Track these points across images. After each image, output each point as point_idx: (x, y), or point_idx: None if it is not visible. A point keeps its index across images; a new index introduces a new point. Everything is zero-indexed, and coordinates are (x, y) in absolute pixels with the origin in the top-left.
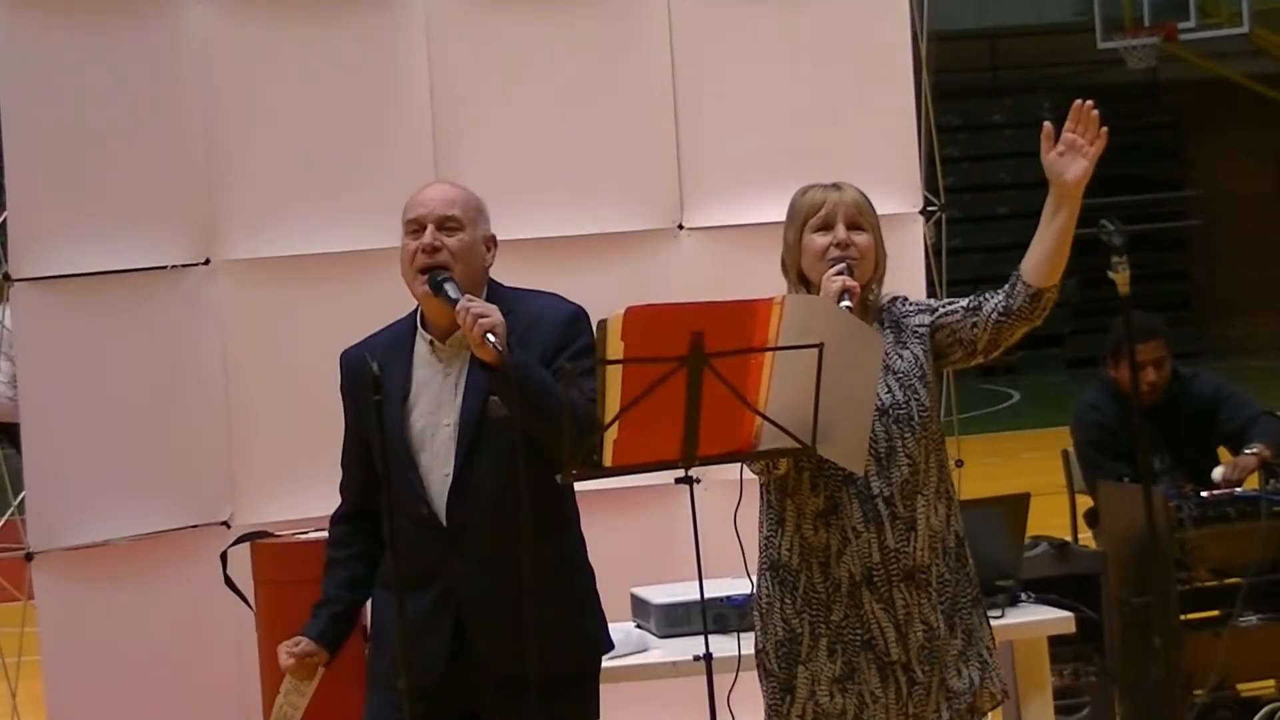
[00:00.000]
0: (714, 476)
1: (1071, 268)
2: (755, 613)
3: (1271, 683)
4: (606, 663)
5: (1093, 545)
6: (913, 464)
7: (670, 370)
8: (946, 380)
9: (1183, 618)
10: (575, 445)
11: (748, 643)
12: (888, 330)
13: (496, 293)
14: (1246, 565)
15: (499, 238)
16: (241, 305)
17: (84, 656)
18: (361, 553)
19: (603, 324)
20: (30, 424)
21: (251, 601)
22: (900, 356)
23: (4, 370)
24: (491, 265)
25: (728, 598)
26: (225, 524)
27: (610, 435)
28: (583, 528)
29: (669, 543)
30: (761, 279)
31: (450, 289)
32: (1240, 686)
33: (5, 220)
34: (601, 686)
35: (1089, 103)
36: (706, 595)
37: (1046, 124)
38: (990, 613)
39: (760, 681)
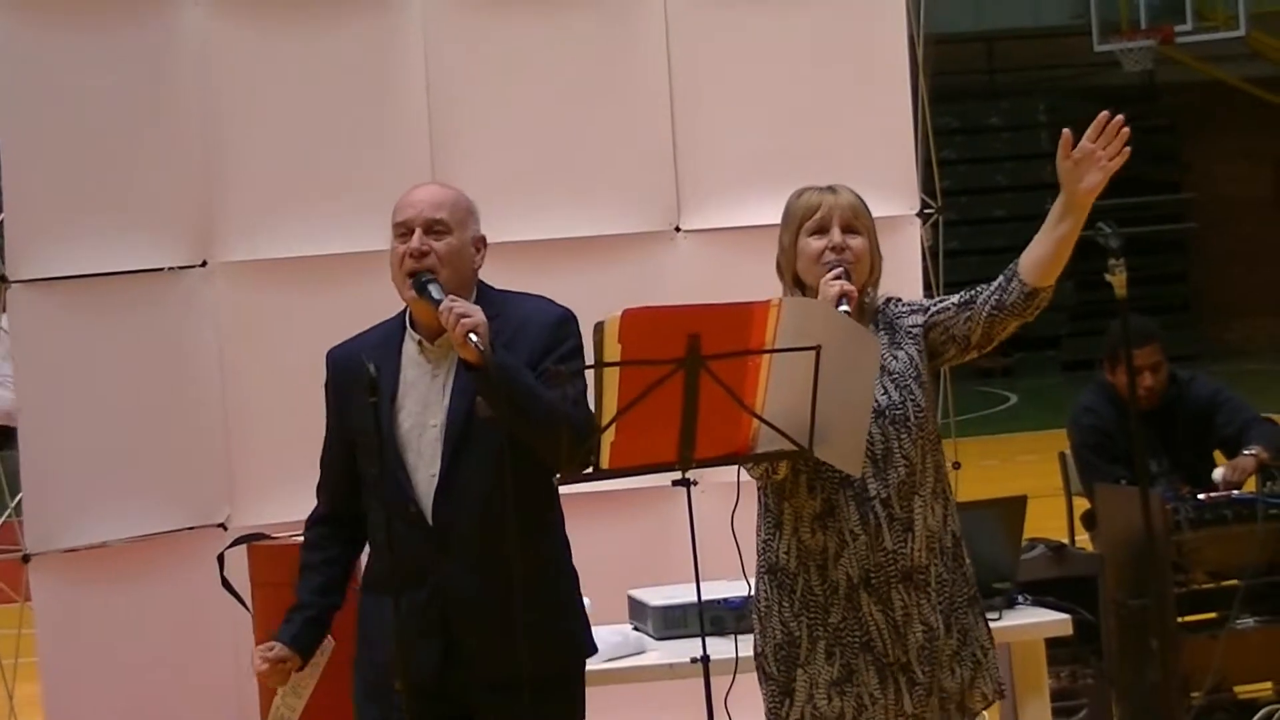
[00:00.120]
0: (711, 479)
1: (1069, 270)
2: (754, 616)
3: (1269, 685)
4: (604, 665)
5: (1090, 548)
6: (909, 465)
7: (667, 373)
8: (944, 382)
9: (1180, 620)
10: (565, 448)
11: (745, 645)
12: (882, 332)
13: (485, 295)
14: (1243, 568)
15: (496, 240)
16: (238, 307)
17: (81, 658)
18: (336, 557)
19: (600, 326)
20: (27, 425)
21: (248, 603)
22: (895, 358)
23: (6, 373)
24: (481, 266)
25: (725, 600)
26: (222, 526)
27: (607, 437)
28: (581, 530)
29: (666, 545)
30: (758, 281)
31: (434, 290)
32: (1237, 689)
33: (2, 222)
34: (599, 688)
35: (1119, 117)
36: (704, 597)
37: (1066, 131)
38: (988, 614)
39: (760, 684)
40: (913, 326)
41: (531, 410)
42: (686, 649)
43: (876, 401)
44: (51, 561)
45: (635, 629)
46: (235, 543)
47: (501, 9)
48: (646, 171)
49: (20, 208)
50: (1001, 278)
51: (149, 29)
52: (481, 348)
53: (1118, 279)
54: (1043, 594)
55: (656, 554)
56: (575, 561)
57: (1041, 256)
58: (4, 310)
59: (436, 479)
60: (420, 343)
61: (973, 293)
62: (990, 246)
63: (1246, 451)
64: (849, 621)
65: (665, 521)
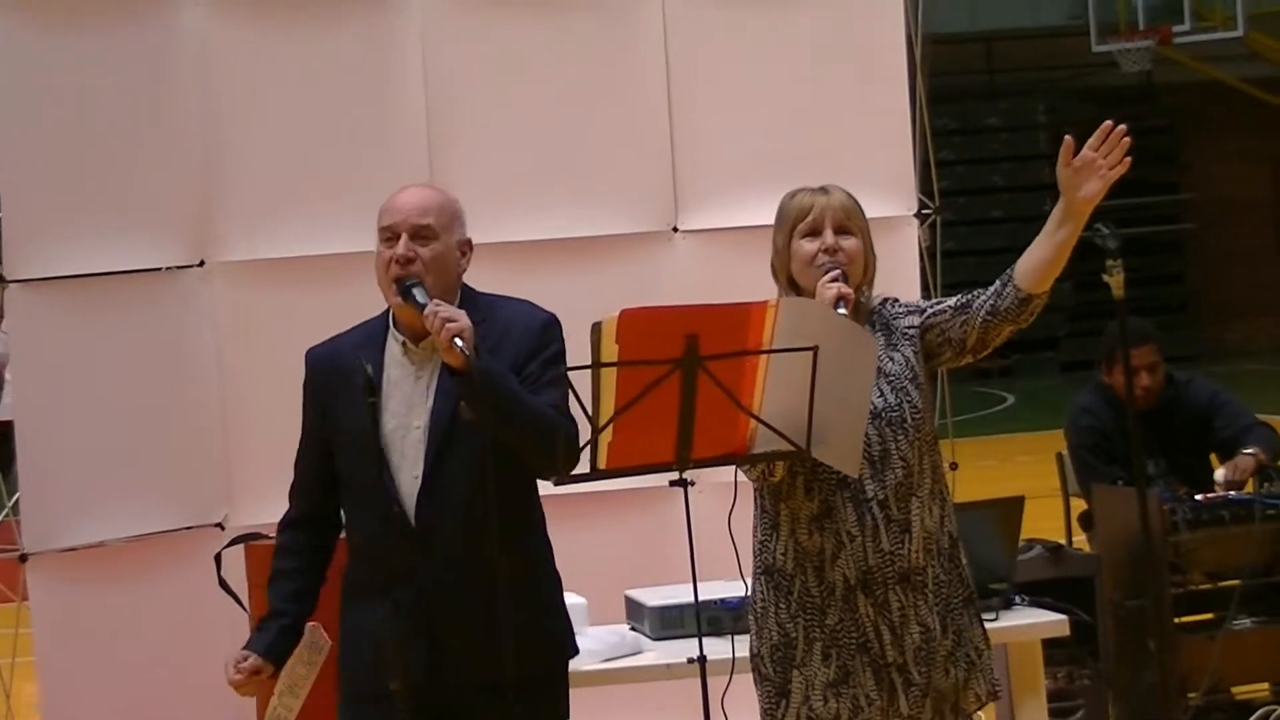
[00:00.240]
0: (708, 479)
1: (1067, 271)
2: (750, 617)
3: (1266, 686)
4: (601, 665)
5: (1087, 548)
6: (906, 466)
7: (665, 373)
8: (942, 383)
9: (1177, 621)
10: (549, 453)
11: (742, 645)
12: (879, 333)
13: (470, 298)
14: (1241, 568)
15: (494, 240)
16: (236, 307)
17: (79, 658)
18: (309, 564)
19: (597, 327)
20: (25, 425)
21: (245, 603)
22: (891, 359)
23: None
24: (466, 270)
25: (722, 600)
26: (220, 526)
27: (605, 438)
28: (578, 530)
29: (663, 545)
30: (756, 282)
31: (418, 293)
32: (1234, 690)
33: (0, 222)
34: (596, 688)
35: (1121, 127)
36: (701, 598)
37: (1068, 138)
38: (984, 615)
39: (755, 685)
40: (909, 328)
41: (515, 415)
42: (683, 649)
43: (873, 403)
44: (49, 561)
45: (632, 629)
46: (232, 542)
47: (500, 9)
48: (644, 172)
49: (18, 207)
50: (998, 283)
51: (147, 29)
52: (466, 353)
53: (1115, 280)
54: (1040, 594)
55: (654, 554)
56: (573, 562)
57: (1038, 262)
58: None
59: (420, 480)
60: (404, 344)
61: (969, 296)
62: (988, 247)
63: (1245, 451)
64: (845, 623)
65: (662, 522)
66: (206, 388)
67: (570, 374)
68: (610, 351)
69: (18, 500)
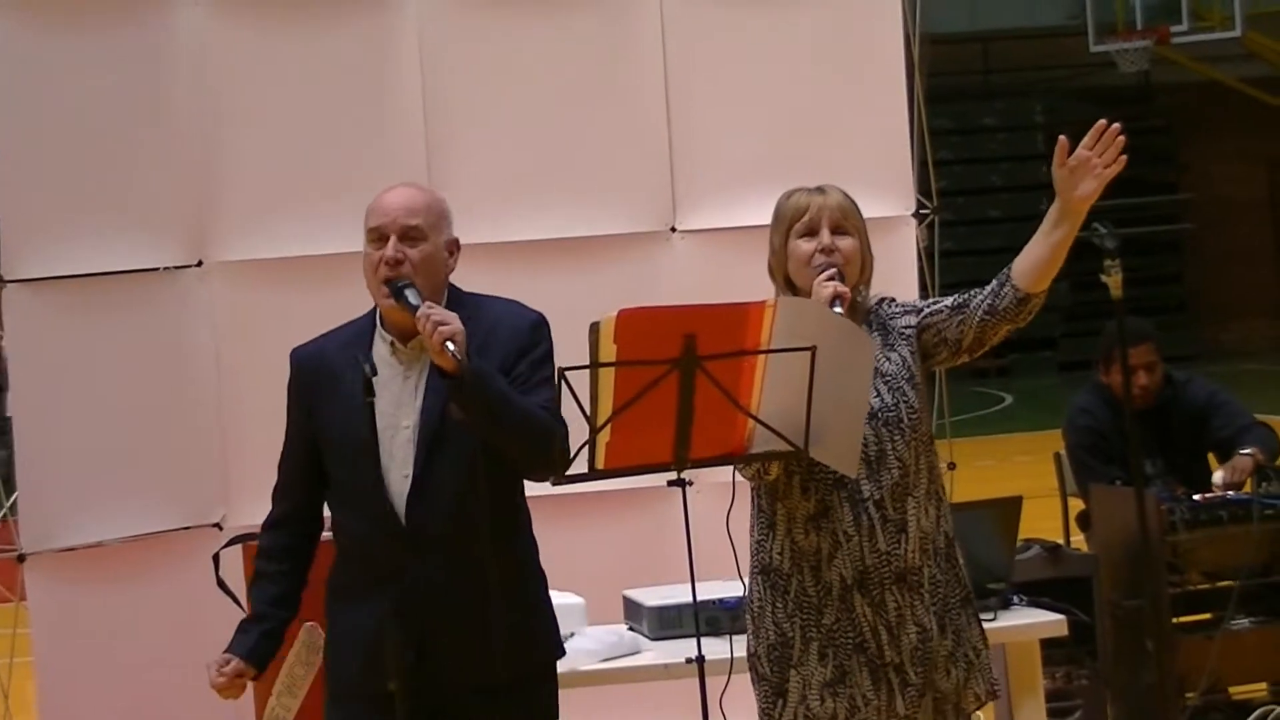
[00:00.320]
0: (706, 479)
1: (1064, 271)
2: (747, 616)
3: (1263, 686)
4: (599, 665)
5: (1085, 548)
6: (903, 467)
7: (663, 373)
8: (939, 383)
9: (1175, 621)
10: (540, 454)
11: (740, 645)
12: (875, 333)
13: (457, 298)
14: (1238, 568)
15: (491, 240)
16: (234, 307)
17: (76, 658)
18: (293, 567)
19: (595, 326)
20: (23, 425)
21: (243, 603)
22: (888, 359)
23: None
24: (453, 270)
25: (720, 600)
26: (218, 525)
27: (603, 438)
28: (576, 530)
29: (661, 545)
30: (754, 282)
31: (411, 295)
32: (1232, 690)
33: None
34: (594, 688)
35: (1115, 125)
36: (699, 597)
37: (1062, 138)
38: (982, 615)
39: (752, 685)
40: (906, 328)
41: (506, 417)
42: (682, 649)
43: (870, 404)
44: (47, 561)
45: (630, 629)
46: (230, 542)
47: (498, 9)
48: (642, 172)
49: (17, 207)
50: (995, 282)
51: (145, 30)
52: (459, 357)
53: (1114, 279)
54: (1038, 594)
55: (652, 554)
56: (571, 562)
57: (1035, 262)
58: None
59: (410, 480)
60: (392, 344)
61: (966, 296)
62: (986, 247)
63: (1242, 451)
64: (842, 623)
65: (660, 522)
66: (204, 388)
67: (568, 374)
68: (608, 351)
69: (16, 500)
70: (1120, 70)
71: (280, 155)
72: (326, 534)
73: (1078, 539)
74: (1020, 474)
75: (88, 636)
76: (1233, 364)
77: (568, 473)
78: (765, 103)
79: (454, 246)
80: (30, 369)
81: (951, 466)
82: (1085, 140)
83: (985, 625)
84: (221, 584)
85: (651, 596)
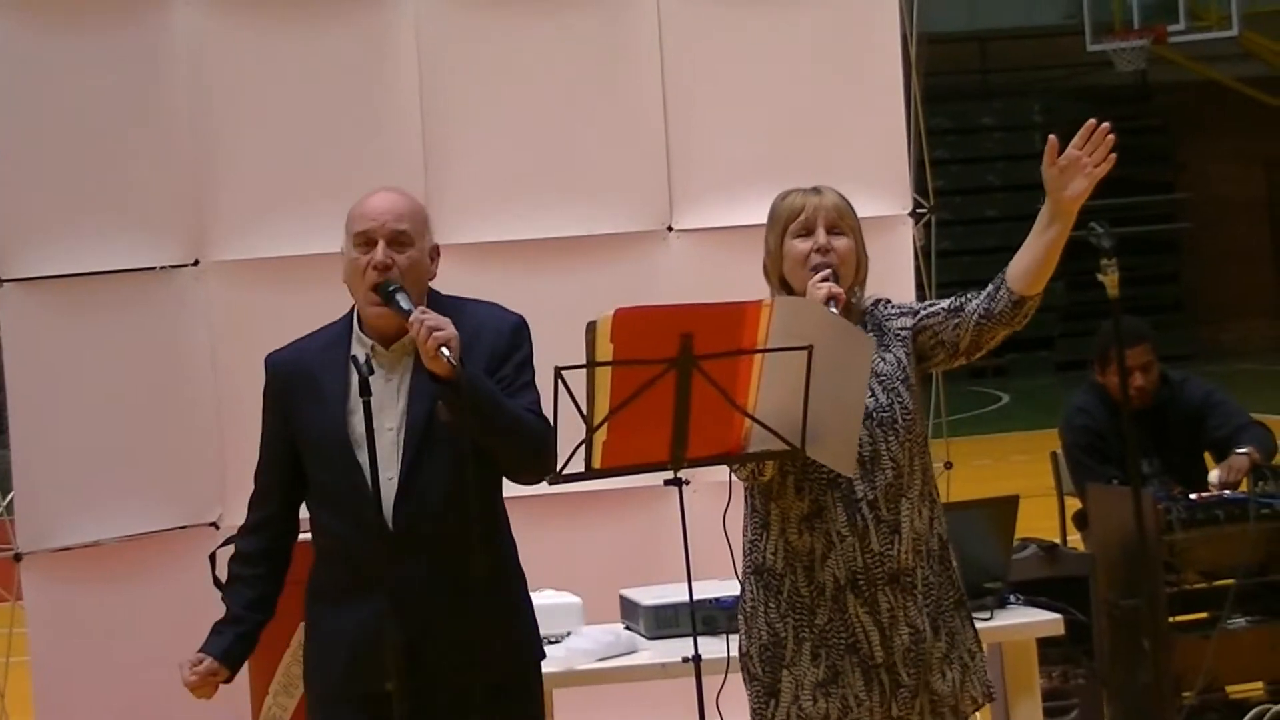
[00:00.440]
0: (703, 478)
1: (1060, 270)
2: (740, 616)
3: (1260, 685)
4: (596, 664)
5: (1081, 548)
6: (897, 467)
7: (659, 372)
8: (936, 383)
9: (1171, 620)
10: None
11: (736, 644)
12: (871, 334)
13: (438, 301)
14: (1235, 568)
15: (488, 239)
16: (230, 306)
17: (73, 657)
18: (269, 571)
19: (591, 326)
20: (19, 425)
21: None
22: (883, 360)
23: None
24: (434, 277)
25: (717, 599)
26: (214, 525)
27: (599, 437)
28: (573, 529)
29: (658, 544)
30: (751, 281)
31: (402, 299)
32: (1229, 689)
33: None
34: (592, 688)
35: (1105, 125)
36: (695, 597)
37: (1052, 137)
38: (979, 615)
39: (745, 685)
40: (901, 329)
41: (499, 421)
42: (678, 648)
43: (864, 404)
44: (43, 560)
45: (627, 628)
46: (227, 542)
47: (495, 8)
48: (639, 171)
49: (13, 206)
50: (990, 286)
51: (140, 29)
52: (454, 363)
53: (1110, 279)
54: (1034, 594)
55: (648, 553)
56: (568, 561)
57: (1029, 264)
58: None
59: (396, 483)
60: (373, 347)
61: (962, 299)
62: (983, 247)
63: (1239, 451)
64: (835, 623)
65: (657, 521)
66: (201, 387)
67: (564, 373)
68: (605, 351)
69: (12, 499)
70: (1117, 70)
71: (277, 155)
72: (305, 535)
73: (1074, 538)
74: (1017, 473)
75: (84, 636)
76: (1229, 364)
77: (564, 472)
78: (763, 102)
79: (435, 252)
80: (26, 368)
81: (948, 466)
82: (1075, 140)
83: (981, 625)
84: (218, 583)
85: (648, 596)
